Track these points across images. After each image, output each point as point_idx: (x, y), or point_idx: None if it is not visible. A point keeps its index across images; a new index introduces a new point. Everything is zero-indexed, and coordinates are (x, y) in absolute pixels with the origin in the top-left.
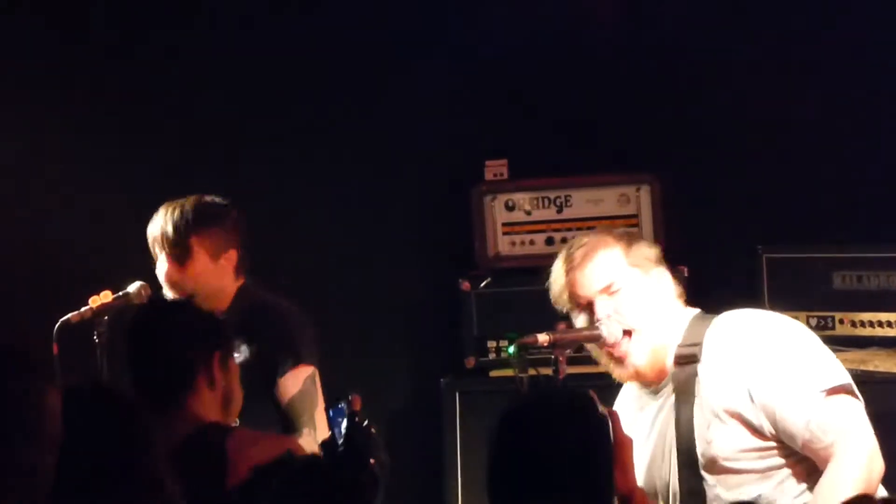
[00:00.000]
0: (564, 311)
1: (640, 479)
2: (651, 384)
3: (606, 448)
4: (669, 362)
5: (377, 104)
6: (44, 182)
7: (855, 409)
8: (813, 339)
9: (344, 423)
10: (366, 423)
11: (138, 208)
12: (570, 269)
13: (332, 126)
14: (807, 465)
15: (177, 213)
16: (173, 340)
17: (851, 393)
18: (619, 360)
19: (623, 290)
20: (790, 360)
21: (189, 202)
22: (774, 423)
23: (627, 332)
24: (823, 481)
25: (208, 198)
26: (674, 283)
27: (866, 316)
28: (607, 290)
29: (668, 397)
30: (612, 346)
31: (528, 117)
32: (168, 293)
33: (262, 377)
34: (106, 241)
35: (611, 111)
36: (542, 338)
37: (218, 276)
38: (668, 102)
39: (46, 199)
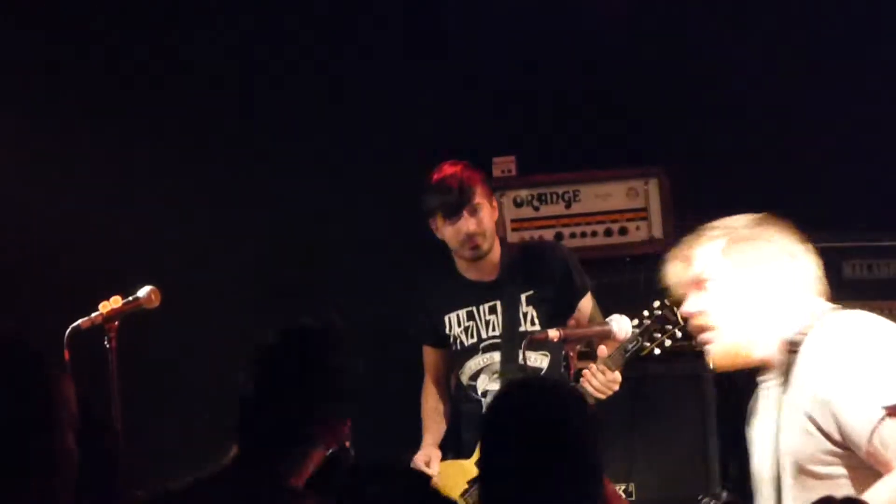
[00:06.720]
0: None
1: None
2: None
3: (595, 440)
4: (758, 356)
5: (385, 103)
6: (49, 187)
7: None
8: None
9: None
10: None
11: (145, 212)
12: (674, 256)
13: (340, 125)
14: (872, 476)
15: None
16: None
17: None
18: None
19: (712, 285)
20: (866, 370)
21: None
22: (840, 431)
23: (709, 328)
24: (877, 485)
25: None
26: (796, 278)
27: (877, 304)
28: (697, 281)
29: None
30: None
31: (535, 114)
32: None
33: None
34: (113, 246)
35: (618, 105)
36: (553, 333)
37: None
38: (675, 95)
39: (52, 204)
